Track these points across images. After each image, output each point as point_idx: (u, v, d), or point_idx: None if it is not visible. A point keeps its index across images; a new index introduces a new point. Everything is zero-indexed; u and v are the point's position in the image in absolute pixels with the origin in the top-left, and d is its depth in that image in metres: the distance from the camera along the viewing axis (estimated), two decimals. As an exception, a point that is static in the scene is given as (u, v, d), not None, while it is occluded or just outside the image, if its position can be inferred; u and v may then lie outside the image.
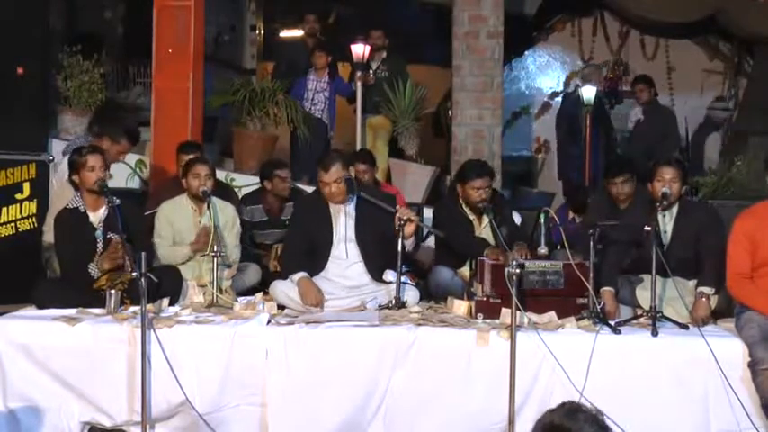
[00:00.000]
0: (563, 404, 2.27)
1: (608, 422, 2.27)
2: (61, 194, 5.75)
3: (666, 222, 4.94)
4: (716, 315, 4.77)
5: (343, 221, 5.10)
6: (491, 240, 5.39)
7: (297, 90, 8.49)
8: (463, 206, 5.53)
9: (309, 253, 5.11)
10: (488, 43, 7.78)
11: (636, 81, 9.26)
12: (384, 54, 8.85)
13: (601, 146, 8.92)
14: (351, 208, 5.12)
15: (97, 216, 5.06)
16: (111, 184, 5.31)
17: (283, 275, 5.16)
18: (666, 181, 4.85)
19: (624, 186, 5.84)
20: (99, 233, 5.02)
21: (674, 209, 4.95)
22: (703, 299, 4.70)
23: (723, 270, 4.58)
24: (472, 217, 5.53)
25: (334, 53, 8.73)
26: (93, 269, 4.92)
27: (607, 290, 4.81)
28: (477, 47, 7.77)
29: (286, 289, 4.98)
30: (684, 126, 9.75)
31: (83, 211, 5.05)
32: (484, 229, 5.50)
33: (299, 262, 5.07)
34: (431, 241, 6.11)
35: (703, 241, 4.87)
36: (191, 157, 5.85)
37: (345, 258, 5.09)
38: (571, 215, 7.09)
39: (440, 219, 5.66)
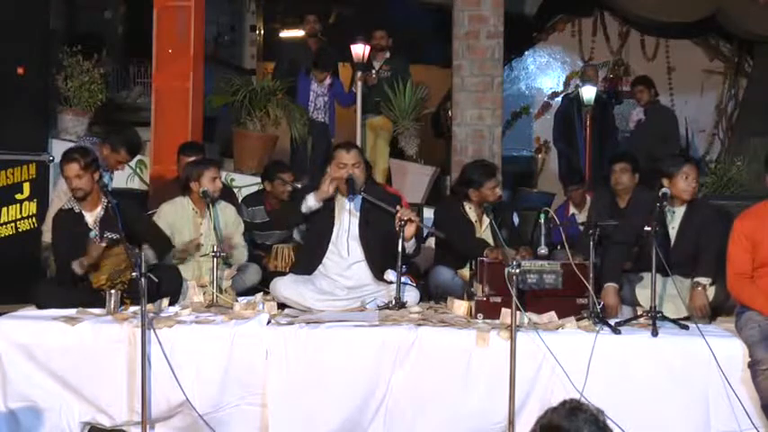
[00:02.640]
0: (564, 403, 2.25)
1: (608, 422, 2.26)
2: (65, 195, 5.75)
3: (674, 219, 4.95)
4: (714, 310, 4.78)
5: (347, 218, 5.11)
6: (491, 241, 5.40)
7: (302, 94, 8.46)
8: (465, 207, 5.54)
9: (310, 242, 5.11)
10: (488, 43, 7.77)
11: (635, 82, 9.23)
12: (387, 54, 8.85)
13: (600, 146, 8.89)
14: (355, 206, 5.13)
15: (93, 216, 5.05)
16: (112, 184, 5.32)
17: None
18: (691, 178, 4.88)
19: (622, 176, 5.88)
20: (94, 233, 5.01)
21: (682, 207, 4.96)
22: (699, 288, 4.71)
23: (720, 262, 4.59)
24: (474, 218, 5.54)
25: (335, 65, 8.70)
26: (76, 267, 4.87)
27: (610, 285, 4.80)
28: (477, 47, 7.76)
29: (286, 288, 4.98)
30: (684, 126, 9.74)
31: (78, 211, 5.05)
32: (485, 231, 5.51)
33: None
34: (431, 241, 6.11)
35: (704, 238, 4.88)
36: (196, 158, 5.85)
37: (346, 256, 5.09)
38: (571, 210, 7.09)
39: (441, 220, 5.66)
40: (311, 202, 5.07)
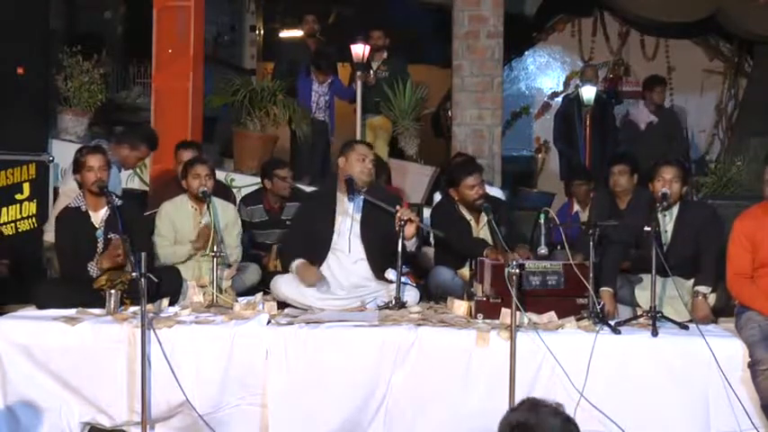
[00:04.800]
0: (522, 403, 2.26)
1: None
2: (70, 194, 5.76)
3: (667, 222, 4.95)
4: (716, 313, 4.78)
5: (349, 217, 5.12)
6: (490, 240, 5.39)
7: (304, 95, 8.46)
8: (460, 207, 5.54)
9: (310, 245, 5.13)
10: (488, 43, 7.77)
11: (652, 82, 8.96)
12: (385, 54, 8.85)
13: (600, 146, 8.86)
14: (356, 205, 5.13)
15: (98, 216, 5.06)
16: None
17: (284, 267, 5.19)
18: (667, 181, 4.85)
19: (621, 178, 5.85)
20: (100, 233, 5.02)
21: (675, 208, 4.95)
22: (700, 298, 4.71)
23: (720, 268, 4.59)
24: (469, 217, 5.54)
25: (333, 66, 8.70)
26: (93, 268, 4.92)
27: (606, 290, 4.81)
28: (477, 47, 7.77)
29: (286, 286, 4.98)
30: (685, 126, 9.74)
31: (84, 210, 5.05)
32: (482, 230, 5.51)
33: (299, 252, 5.12)
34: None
35: (702, 240, 4.88)
36: (189, 154, 5.86)
37: (348, 253, 5.10)
38: (575, 208, 7.07)
39: (437, 221, 5.65)
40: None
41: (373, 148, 5.37)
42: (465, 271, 5.39)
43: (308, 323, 4.52)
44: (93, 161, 5.00)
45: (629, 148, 8.25)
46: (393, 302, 4.81)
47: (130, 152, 6.04)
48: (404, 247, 4.89)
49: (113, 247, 4.87)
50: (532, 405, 2.21)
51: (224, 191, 6.27)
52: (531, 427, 2.15)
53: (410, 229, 4.93)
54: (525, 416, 2.17)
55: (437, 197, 6.87)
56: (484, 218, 5.42)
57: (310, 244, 5.15)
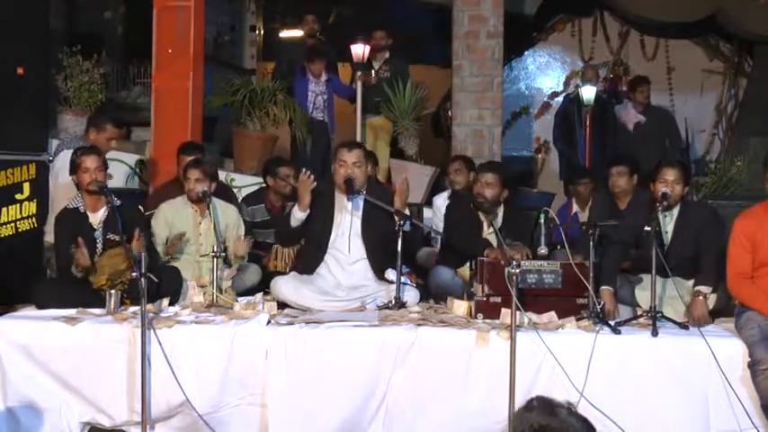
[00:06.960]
0: (533, 401, 2.21)
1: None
2: (56, 194, 5.77)
3: (667, 222, 4.95)
4: (715, 314, 4.78)
5: (348, 217, 5.11)
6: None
7: (300, 95, 8.46)
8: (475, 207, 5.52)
9: (309, 245, 5.13)
10: (488, 43, 7.78)
11: (638, 81, 9.07)
12: (387, 54, 8.84)
13: (600, 146, 8.86)
14: (355, 205, 5.12)
15: (97, 216, 5.06)
16: (111, 184, 5.32)
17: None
18: (669, 182, 4.85)
19: (619, 179, 5.86)
20: (98, 234, 5.02)
21: (676, 209, 4.95)
22: (700, 297, 4.71)
23: (721, 269, 4.59)
24: (482, 218, 5.51)
25: (330, 56, 8.71)
26: (75, 271, 4.90)
27: (606, 289, 4.81)
28: (477, 47, 7.77)
29: (286, 288, 4.98)
30: (684, 126, 9.74)
31: (82, 211, 5.06)
32: (490, 234, 5.48)
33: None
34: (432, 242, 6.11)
35: (703, 240, 4.88)
36: (190, 158, 5.87)
37: (347, 254, 5.10)
38: (574, 209, 7.07)
39: (451, 216, 5.65)
40: (298, 215, 5.08)
41: (358, 146, 5.31)
42: (465, 271, 5.39)
43: (308, 323, 4.52)
44: (89, 162, 5.01)
45: (623, 150, 8.27)
46: (393, 302, 4.81)
47: (98, 134, 6.10)
48: (404, 239, 4.88)
49: (77, 250, 4.82)
50: (547, 405, 2.17)
51: (224, 191, 6.27)
52: (554, 430, 2.11)
53: (402, 190, 5.01)
54: (546, 419, 2.13)
55: (437, 199, 6.88)
56: (495, 222, 5.39)
57: (308, 243, 5.14)
